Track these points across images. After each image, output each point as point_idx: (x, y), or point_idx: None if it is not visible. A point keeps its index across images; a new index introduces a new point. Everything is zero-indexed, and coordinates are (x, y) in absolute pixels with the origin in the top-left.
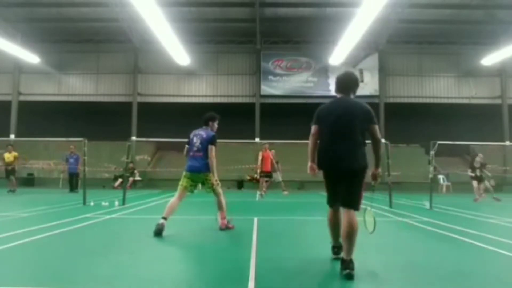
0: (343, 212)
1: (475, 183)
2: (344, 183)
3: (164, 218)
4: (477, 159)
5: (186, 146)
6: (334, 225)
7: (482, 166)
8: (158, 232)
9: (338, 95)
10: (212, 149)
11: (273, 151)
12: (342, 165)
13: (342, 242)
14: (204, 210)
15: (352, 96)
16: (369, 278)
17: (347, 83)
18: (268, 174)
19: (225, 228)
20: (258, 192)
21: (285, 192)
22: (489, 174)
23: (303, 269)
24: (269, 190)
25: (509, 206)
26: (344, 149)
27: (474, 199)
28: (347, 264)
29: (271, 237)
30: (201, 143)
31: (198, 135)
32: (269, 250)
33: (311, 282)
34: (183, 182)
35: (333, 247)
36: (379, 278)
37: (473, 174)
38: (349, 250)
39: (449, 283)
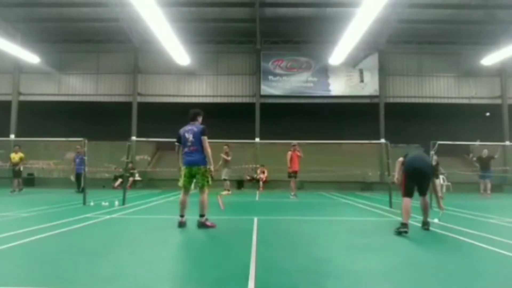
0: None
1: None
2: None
3: (182, 216)
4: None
5: (177, 144)
6: (409, 210)
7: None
8: (181, 227)
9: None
10: (205, 140)
11: (225, 146)
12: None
13: (422, 213)
14: None
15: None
16: (369, 278)
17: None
18: (294, 174)
19: (204, 226)
20: (292, 193)
21: (225, 192)
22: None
23: (303, 269)
24: (270, 190)
25: (509, 206)
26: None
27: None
28: (427, 224)
29: (271, 237)
30: (194, 137)
31: (190, 130)
32: (269, 250)
33: (311, 282)
34: (183, 181)
35: (403, 225)
36: (379, 278)
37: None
38: (427, 217)
39: (449, 283)
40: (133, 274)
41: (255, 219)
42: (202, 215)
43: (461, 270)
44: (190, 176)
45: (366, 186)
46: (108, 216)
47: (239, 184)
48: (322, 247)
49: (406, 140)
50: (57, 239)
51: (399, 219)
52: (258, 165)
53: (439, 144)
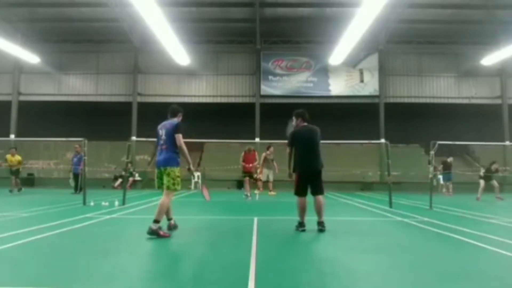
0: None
1: (482, 182)
2: (312, 180)
3: (169, 219)
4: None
5: (156, 141)
6: (304, 208)
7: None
8: (173, 229)
9: (303, 123)
10: (179, 138)
11: (271, 148)
12: (311, 168)
13: (317, 213)
14: (203, 210)
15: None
16: (369, 278)
17: (306, 114)
18: (249, 175)
19: (154, 234)
20: (246, 193)
21: (271, 193)
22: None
23: (303, 269)
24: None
25: (510, 206)
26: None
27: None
28: (322, 224)
29: (271, 237)
30: (166, 134)
31: (163, 127)
32: (269, 250)
33: (311, 282)
34: (159, 183)
35: (300, 224)
36: (379, 278)
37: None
38: (322, 216)
39: (449, 283)
40: (132, 274)
41: (255, 219)
42: (156, 221)
43: (461, 270)
44: (161, 177)
45: (366, 186)
46: (108, 216)
47: (239, 184)
48: (322, 247)
49: (406, 140)
50: (57, 239)
51: (399, 219)
52: (258, 165)
53: (439, 144)
